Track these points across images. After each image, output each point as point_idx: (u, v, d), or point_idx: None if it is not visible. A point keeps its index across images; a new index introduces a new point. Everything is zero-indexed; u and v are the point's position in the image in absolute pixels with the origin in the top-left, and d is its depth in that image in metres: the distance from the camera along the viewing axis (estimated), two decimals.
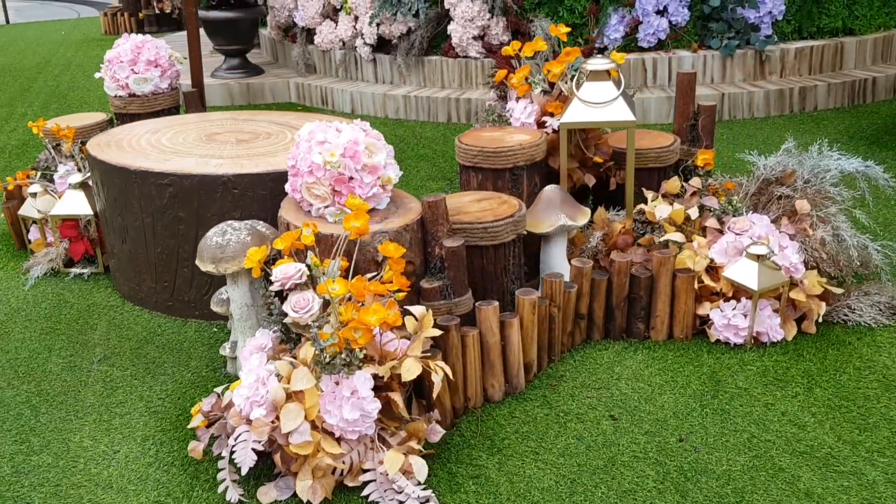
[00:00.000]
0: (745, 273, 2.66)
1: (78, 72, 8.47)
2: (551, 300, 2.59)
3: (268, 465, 2.20)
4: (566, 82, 3.09)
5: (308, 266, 2.28)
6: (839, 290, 2.80)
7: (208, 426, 2.28)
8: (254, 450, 2.11)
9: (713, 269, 2.77)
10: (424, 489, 2.10)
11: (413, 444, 2.17)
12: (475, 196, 2.79)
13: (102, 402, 2.59)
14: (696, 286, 2.73)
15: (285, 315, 2.27)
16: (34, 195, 3.60)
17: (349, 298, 2.14)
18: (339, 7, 6.27)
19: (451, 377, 2.24)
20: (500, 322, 2.44)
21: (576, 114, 2.92)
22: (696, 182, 3.00)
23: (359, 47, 6.11)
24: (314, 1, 6.33)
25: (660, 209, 2.90)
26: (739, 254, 2.73)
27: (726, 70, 5.56)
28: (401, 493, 2.09)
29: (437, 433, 2.23)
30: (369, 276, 2.31)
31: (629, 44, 5.56)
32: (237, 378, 2.41)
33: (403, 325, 2.23)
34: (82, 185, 3.46)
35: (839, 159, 2.97)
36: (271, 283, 2.30)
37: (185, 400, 2.58)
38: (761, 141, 4.85)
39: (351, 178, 2.43)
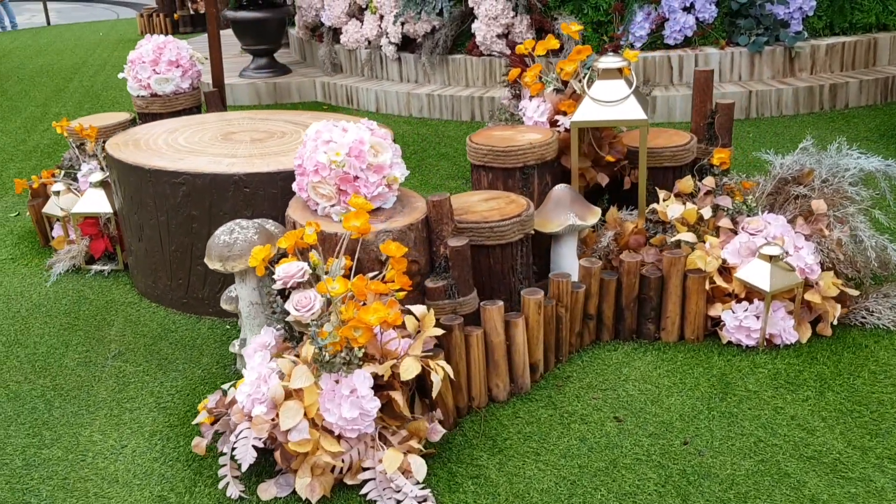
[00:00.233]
0: (757, 274, 2.61)
1: (112, 72, 8.62)
2: (558, 300, 2.57)
3: (270, 462, 2.21)
4: (579, 80, 3.06)
5: (310, 265, 2.29)
6: (856, 292, 2.74)
7: (213, 423, 2.30)
8: (255, 447, 2.12)
9: (726, 270, 2.72)
10: (423, 488, 2.10)
11: (414, 443, 2.17)
12: (483, 195, 2.78)
13: (114, 397, 2.64)
14: (707, 287, 2.69)
15: (288, 313, 2.28)
16: (57, 193, 3.67)
17: (351, 297, 2.15)
18: (364, 6, 6.29)
19: (452, 377, 2.24)
20: (505, 322, 2.43)
21: (587, 112, 2.89)
22: (709, 181, 2.95)
23: (383, 46, 6.13)
24: (340, 0, 6.36)
25: (672, 209, 2.86)
26: (753, 254, 2.68)
27: (754, 67, 5.46)
28: (399, 491, 2.09)
29: (438, 432, 2.23)
30: (371, 274, 2.31)
31: (655, 41, 5.49)
32: None
33: (404, 324, 2.23)
34: (103, 184, 3.52)
35: (859, 158, 2.90)
36: (275, 281, 2.32)
37: (194, 396, 2.61)
38: (788, 139, 4.76)
39: (356, 178, 2.44)
